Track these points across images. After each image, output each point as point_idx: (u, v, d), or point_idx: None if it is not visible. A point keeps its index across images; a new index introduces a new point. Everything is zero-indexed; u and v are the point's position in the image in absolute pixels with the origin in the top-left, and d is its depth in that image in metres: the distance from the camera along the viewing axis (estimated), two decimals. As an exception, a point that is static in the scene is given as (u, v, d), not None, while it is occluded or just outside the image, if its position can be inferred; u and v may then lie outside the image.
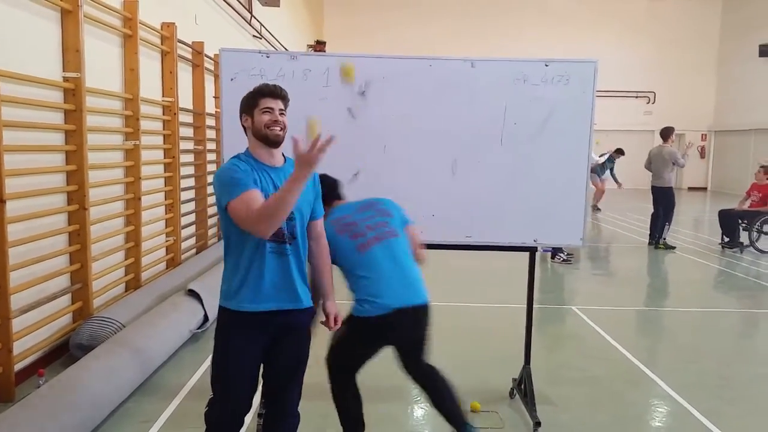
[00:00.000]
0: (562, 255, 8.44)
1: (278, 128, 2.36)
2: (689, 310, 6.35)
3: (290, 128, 3.60)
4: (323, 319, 2.66)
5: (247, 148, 2.44)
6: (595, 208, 13.98)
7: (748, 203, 9.82)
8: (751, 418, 3.78)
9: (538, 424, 3.43)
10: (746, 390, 4.22)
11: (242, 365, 2.41)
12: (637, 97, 22.33)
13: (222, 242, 2.51)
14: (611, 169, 14.08)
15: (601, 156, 13.62)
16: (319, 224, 2.61)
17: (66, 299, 4.52)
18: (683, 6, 22.01)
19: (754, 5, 20.24)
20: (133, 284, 5.57)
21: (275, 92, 2.40)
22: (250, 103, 2.41)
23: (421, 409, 3.85)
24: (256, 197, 2.22)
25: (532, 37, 21.29)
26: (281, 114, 2.39)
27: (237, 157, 2.41)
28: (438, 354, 4.88)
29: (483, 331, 5.48)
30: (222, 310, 2.45)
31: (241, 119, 2.45)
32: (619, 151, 14.10)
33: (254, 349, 2.42)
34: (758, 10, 20.00)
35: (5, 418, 2.89)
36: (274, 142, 2.38)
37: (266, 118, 2.36)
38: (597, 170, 13.53)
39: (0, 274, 3.60)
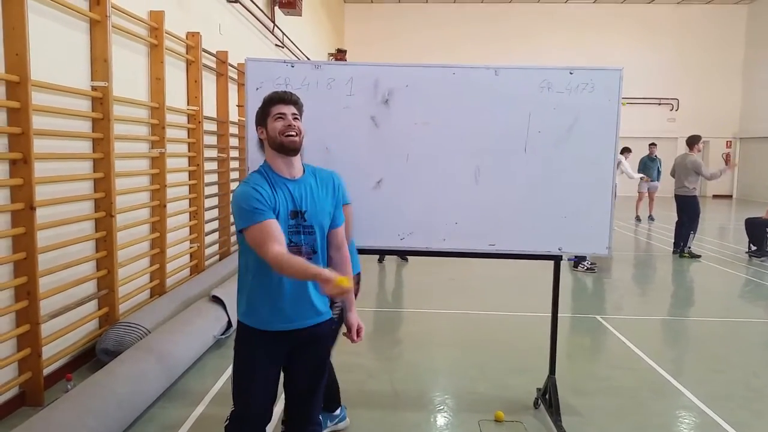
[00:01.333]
0: (585, 263, 8.36)
1: (293, 134, 2.31)
2: (716, 320, 6.24)
3: (316, 136, 3.65)
4: (345, 330, 2.65)
5: (266, 161, 2.39)
6: (637, 219, 13.74)
7: (775, 211, 9.65)
8: (782, 431, 3.70)
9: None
10: (776, 402, 4.13)
11: (262, 379, 2.40)
12: (660, 103, 22.09)
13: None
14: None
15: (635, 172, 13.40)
16: (341, 232, 2.53)
17: (93, 305, 4.59)
18: (708, 11, 21.76)
19: (781, 10, 19.96)
20: (158, 290, 5.63)
21: (285, 97, 2.36)
22: (262, 114, 2.37)
23: (443, 417, 3.83)
24: (271, 230, 2.18)
25: (554, 43, 21.22)
26: (295, 119, 2.34)
27: (258, 171, 2.37)
28: (462, 363, 4.90)
29: (506, 340, 5.44)
30: (241, 324, 2.44)
31: (257, 133, 2.41)
32: (625, 150, 13.80)
33: (273, 363, 2.42)
34: (785, 16, 19.71)
35: (35, 422, 2.94)
36: (290, 149, 2.32)
37: (279, 124, 2.31)
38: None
39: (30, 279, 3.67)
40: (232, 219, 7.93)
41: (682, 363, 5.03)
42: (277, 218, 2.26)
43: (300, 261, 2.14)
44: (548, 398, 3.73)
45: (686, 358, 5.23)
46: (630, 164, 13.03)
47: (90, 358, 4.45)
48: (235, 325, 5.05)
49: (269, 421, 2.50)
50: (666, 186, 11.47)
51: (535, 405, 3.90)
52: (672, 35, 21.73)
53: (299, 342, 2.43)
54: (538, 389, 3.93)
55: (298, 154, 2.38)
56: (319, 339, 2.50)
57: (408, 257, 8.67)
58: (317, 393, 2.55)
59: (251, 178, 2.34)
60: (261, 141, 2.41)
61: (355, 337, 2.61)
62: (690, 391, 4.23)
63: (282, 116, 2.32)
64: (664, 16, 21.75)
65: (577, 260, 8.40)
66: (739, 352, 5.25)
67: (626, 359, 4.93)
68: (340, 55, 17.41)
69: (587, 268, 8.30)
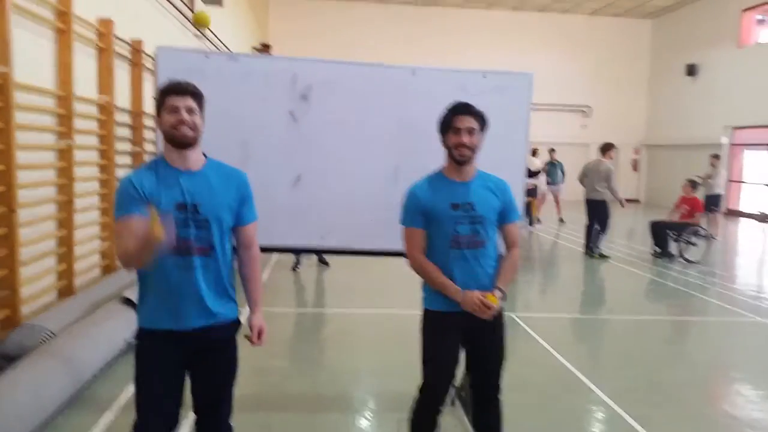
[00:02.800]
0: None
1: (186, 128, 2.21)
2: (622, 318, 6.59)
3: (232, 130, 3.55)
4: (248, 332, 2.48)
5: (161, 152, 2.32)
6: (537, 220, 14.20)
7: (677, 215, 10.28)
8: (679, 422, 3.94)
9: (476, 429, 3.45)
10: (674, 394, 4.40)
11: (161, 385, 2.29)
12: (573, 110, 23.07)
13: None
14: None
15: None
16: (250, 230, 2.44)
17: (-10, 307, 4.28)
18: (617, 23, 22.93)
19: (681, 26, 21.33)
20: (65, 291, 5.31)
21: (179, 88, 2.23)
22: (158, 104, 2.26)
23: (363, 418, 3.83)
24: (130, 227, 2.11)
25: (475, 47, 21.72)
26: (190, 112, 2.22)
27: (148, 163, 2.31)
28: (383, 363, 4.92)
29: (416, 337, 5.50)
30: (138, 329, 2.34)
31: (155, 123, 2.33)
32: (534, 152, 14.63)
33: (172, 368, 2.31)
34: (685, 31, 21.08)
35: None
36: (180, 143, 2.23)
37: (172, 118, 2.20)
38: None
39: None
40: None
41: (590, 359, 5.28)
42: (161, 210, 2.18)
43: (135, 244, 2.07)
44: (464, 395, 3.80)
45: (594, 354, 5.50)
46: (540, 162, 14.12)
47: (-14, 363, 4.14)
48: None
49: (175, 429, 2.37)
50: (577, 188, 12.04)
51: (452, 402, 3.97)
52: (586, 45, 22.75)
53: (199, 346, 2.32)
54: (455, 387, 4.00)
55: (197, 147, 2.30)
56: (221, 344, 2.39)
57: (329, 262, 8.50)
58: (225, 400, 2.45)
59: (138, 169, 2.31)
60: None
61: (256, 340, 2.45)
62: (597, 386, 4.43)
63: (175, 109, 2.21)
64: (579, 26, 22.74)
65: None
66: (642, 348, 5.56)
67: (538, 356, 5.11)
68: (264, 49, 17.10)
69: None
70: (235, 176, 2.39)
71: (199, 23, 2.63)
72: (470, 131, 2.62)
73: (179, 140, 2.22)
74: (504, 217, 2.76)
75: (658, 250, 10.20)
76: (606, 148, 10.02)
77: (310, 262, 8.57)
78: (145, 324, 2.32)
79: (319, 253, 7.41)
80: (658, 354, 5.40)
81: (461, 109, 2.66)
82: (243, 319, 2.44)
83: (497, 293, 2.65)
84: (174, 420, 2.35)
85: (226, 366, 2.43)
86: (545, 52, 22.17)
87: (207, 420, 2.46)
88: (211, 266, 2.29)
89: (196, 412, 2.46)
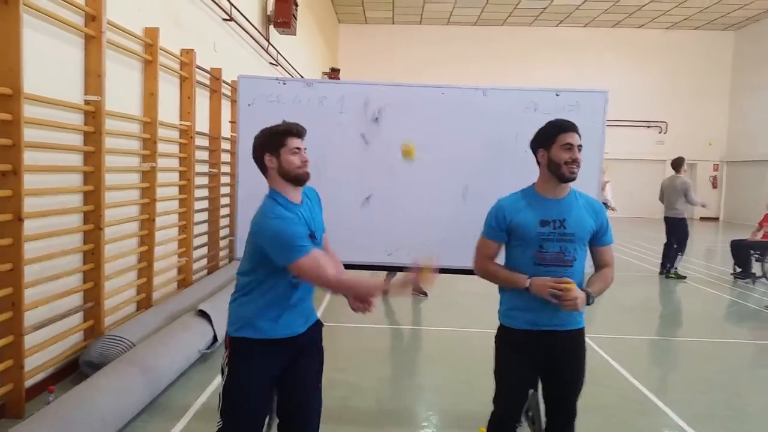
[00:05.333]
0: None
1: (307, 168, 2.44)
2: (700, 340, 6.30)
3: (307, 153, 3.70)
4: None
5: (275, 190, 2.44)
6: None
7: (760, 234, 9.75)
8: (762, 451, 3.73)
9: (546, 451, 3.40)
10: (756, 422, 4.17)
11: (260, 392, 2.44)
12: (648, 126, 22.35)
13: (236, 264, 2.59)
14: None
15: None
16: (326, 237, 2.70)
17: (78, 317, 4.58)
18: (696, 36, 22.13)
19: (766, 37, 20.33)
20: (144, 304, 5.62)
21: (301, 132, 2.45)
22: (275, 142, 2.41)
23: (427, 434, 3.84)
24: (320, 257, 2.34)
25: (546, 66, 21.47)
26: (305, 151, 2.45)
27: (275, 200, 2.41)
28: (445, 380, 4.91)
29: (489, 357, 5.46)
30: (239, 339, 2.45)
31: (261, 158, 2.44)
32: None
33: (271, 376, 2.46)
34: (770, 43, 20.11)
35: (15, 433, 2.93)
36: (304, 182, 2.45)
37: (297, 159, 2.41)
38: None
39: (15, 290, 3.67)
40: (222, 233, 7.90)
41: (666, 382, 5.07)
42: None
43: (359, 285, 2.44)
44: (531, 416, 3.74)
45: (670, 377, 5.27)
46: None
47: (73, 370, 4.43)
48: (221, 339, 5.07)
49: None
50: (654, 207, 11.61)
51: (518, 422, 3.91)
52: (661, 59, 22.06)
53: (296, 350, 2.49)
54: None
55: None
56: (314, 344, 2.60)
57: (427, 293, 7.55)
58: (317, 406, 2.60)
59: (277, 210, 2.36)
60: (265, 167, 2.46)
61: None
62: (673, 410, 4.26)
63: (298, 150, 2.41)
64: (654, 40, 22.10)
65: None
66: (722, 372, 5.29)
67: (611, 378, 4.96)
68: (333, 73, 17.56)
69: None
70: (316, 195, 2.65)
71: (407, 154, 2.82)
72: (580, 148, 2.60)
73: (305, 179, 2.44)
74: (599, 238, 2.69)
75: (739, 270, 9.69)
76: (678, 163, 9.69)
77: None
78: (253, 334, 2.44)
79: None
80: (739, 379, 5.12)
81: (570, 125, 2.62)
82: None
83: (581, 293, 2.51)
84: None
85: (318, 367, 2.63)
86: (619, 69, 21.66)
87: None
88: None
89: (282, 420, 2.56)
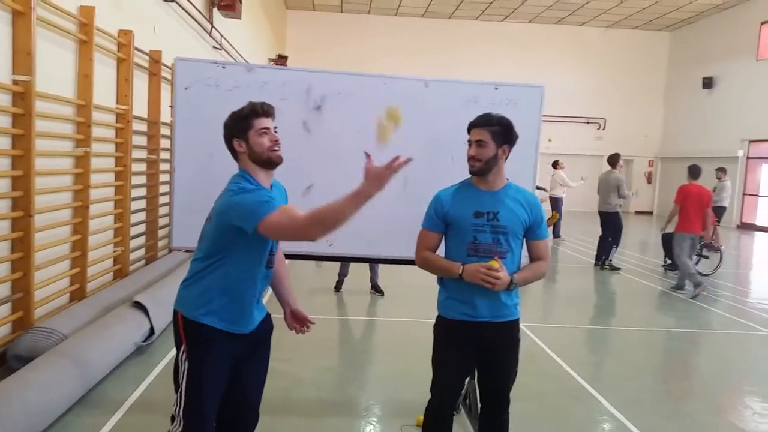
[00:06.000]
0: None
1: (278, 149, 2.33)
2: (631, 329, 6.56)
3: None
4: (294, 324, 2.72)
5: (246, 171, 2.34)
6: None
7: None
8: (686, 434, 3.93)
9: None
10: (682, 406, 4.39)
11: (218, 385, 2.34)
12: (588, 122, 23.01)
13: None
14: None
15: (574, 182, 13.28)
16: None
17: (6, 308, 4.37)
18: (634, 36, 22.89)
19: (699, 39, 21.24)
20: (77, 295, 5.42)
21: (269, 111, 2.34)
22: (242, 126, 2.30)
23: (367, 423, 3.86)
24: (293, 209, 2.22)
25: (490, 60, 21.80)
26: (275, 131, 2.35)
27: (243, 177, 2.32)
28: (386, 370, 4.95)
29: (429, 347, 5.53)
30: (197, 324, 2.30)
31: (231, 143, 2.34)
32: (557, 163, 13.72)
33: (226, 370, 2.37)
34: (702, 44, 21.00)
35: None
36: (276, 164, 2.36)
37: (266, 140, 2.30)
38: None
39: (-65, 280, 3.48)
40: (160, 222, 7.69)
41: (598, 370, 5.26)
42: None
43: (337, 203, 2.18)
44: (468, 403, 3.82)
45: (602, 365, 5.48)
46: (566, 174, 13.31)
47: (0, 364, 4.23)
48: (158, 331, 4.95)
49: None
50: (591, 201, 11.98)
51: (456, 410, 3.99)
52: (602, 57, 22.73)
53: (250, 344, 2.44)
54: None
55: None
56: (267, 340, 2.57)
57: (383, 291, 7.34)
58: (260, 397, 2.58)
59: (245, 184, 2.29)
60: (236, 152, 2.36)
61: (308, 326, 2.72)
62: (605, 397, 4.42)
63: (266, 131, 2.31)
64: (595, 38, 22.73)
65: None
66: (651, 359, 5.54)
67: (546, 366, 5.11)
68: (281, 60, 17.32)
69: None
70: (283, 189, 2.59)
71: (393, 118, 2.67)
72: (479, 143, 2.64)
73: (275, 161, 2.33)
74: (533, 232, 2.74)
75: (669, 262, 10.13)
76: (614, 159, 10.05)
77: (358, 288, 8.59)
78: (210, 322, 2.31)
79: (375, 281, 7.36)
80: (667, 365, 5.38)
81: (474, 121, 2.71)
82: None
83: (506, 275, 2.57)
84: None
85: (267, 362, 2.61)
86: (561, 65, 22.19)
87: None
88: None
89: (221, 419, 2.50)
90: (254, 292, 2.38)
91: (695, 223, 8.03)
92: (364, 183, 2.14)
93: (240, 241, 2.25)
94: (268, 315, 2.58)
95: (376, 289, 7.37)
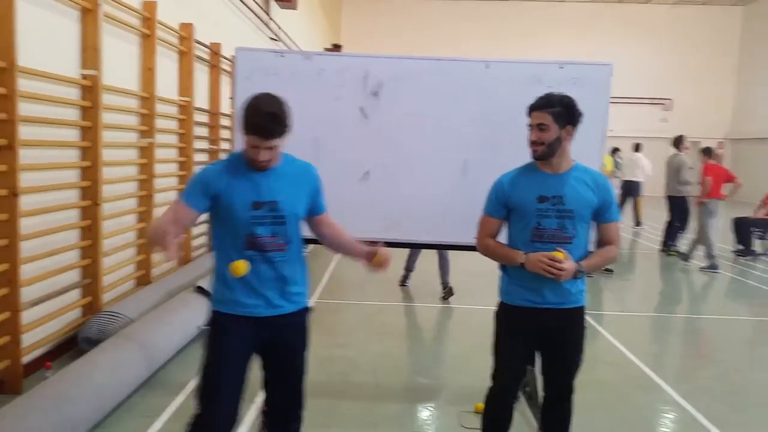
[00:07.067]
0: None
1: (264, 163, 2.26)
2: (700, 317, 6.29)
3: (304, 127, 3.64)
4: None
5: (244, 149, 2.31)
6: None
7: (763, 212, 9.70)
8: (758, 425, 3.74)
9: (542, 426, 3.40)
10: (754, 397, 4.18)
11: (233, 369, 2.34)
12: (653, 103, 22.14)
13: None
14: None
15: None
16: (326, 217, 2.56)
17: (76, 293, 4.57)
18: (703, 12, 21.82)
19: (776, 13, 20.05)
20: (143, 280, 5.62)
21: (265, 131, 2.17)
22: (242, 125, 2.23)
23: (425, 409, 3.85)
24: (179, 212, 2.29)
25: (551, 41, 21.26)
26: (271, 150, 2.23)
27: (233, 155, 2.37)
28: (444, 356, 4.92)
29: (488, 333, 5.46)
30: (213, 312, 2.40)
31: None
32: (616, 150, 12.87)
33: (244, 353, 2.37)
34: (779, 18, 19.80)
35: (11, 409, 2.93)
36: (259, 170, 2.30)
37: (250, 152, 2.24)
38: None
39: (12, 266, 3.65)
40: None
41: (664, 359, 5.07)
42: (231, 208, 2.28)
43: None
44: (528, 391, 3.75)
45: (669, 354, 5.28)
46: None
47: (72, 347, 4.43)
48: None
49: (237, 425, 2.41)
50: (656, 186, 11.50)
51: (516, 398, 3.92)
52: (667, 35, 21.79)
53: (274, 333, 2.38)
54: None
55: None
56: (294, 331, 2.46)
57: (454, 292, 6.64)
58: (297, 390, 2.51)
59: (221, 163, 2.38)
60: None
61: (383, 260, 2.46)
62: (671, 386, 4.26)
63: (256, 148, 2.22)
64: (660, 16, 21.81)
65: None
66: (721, 348, 5.29)
67: (610, 354, 4.96)
68: (335, 49, 17.36)
69: (605, 269, 7.83)
70: (308, 170, 2.47)
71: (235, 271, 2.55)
72: (540, 127, 2.54)
73: (258, 169, 2.30)
74: (602, 215, 2.61)
75: (740, 247, 9.66)
76: (677, 141, 9.63)
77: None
78: (223, 308, 2.38)
79: (446, 281, 6.60)
80: (738, 355, 5.12)
81: (533, 104, 2.59)
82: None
83: (571, 265, 2.47)
84: (237, 411, 2.42)
85: (298, 353, 2.49)
86: (624, 44, 21.42)
87: (278, 411, 2.52)
88: (288, 259, 2.37)
89: (266, 404, 2.52)
90: (253, 274, 2.31)
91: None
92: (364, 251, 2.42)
93: (214, 221, 2.37)
94: (305, 309, 2.50)
95: (447, 291, 6.58)
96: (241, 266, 2.25)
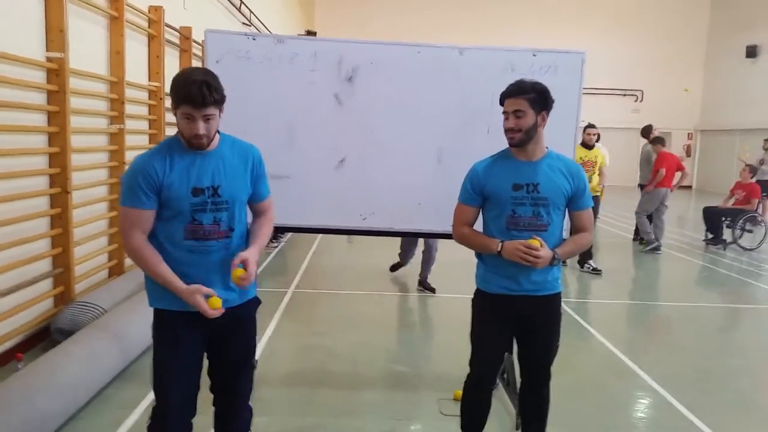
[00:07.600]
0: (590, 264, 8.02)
1: (202, 139, 2.10)
2: (672, 305, 6.40)
3: (277, 112, 3.57)
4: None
5: (178, 132, 2.18)
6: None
7: (732, 201, 9.91)
8: (728, 410, 3.82)
9: (520, 412, 3.43)
10: (725, 382, 4.26)
11: (182, 366, 2.24)
12: (624, 95, 22.42)
13: None
14: None
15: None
16: (266, 205, 2.41)
17: (47, 283, 4.46)
18: (672, 3, 22.10)
19: (742, 5, 20.38)
20: (116, 270, 5.50)
21: (198, 99, 2.02)
22: (173, 99, 2.08)
23: (403, 396, 3.84)
24: (138, 219, 2.12)
25: (524, 32, 21.29)
26: (207, 119, 2.07)
27: (162, 144, 2.21)
28: (423, 344, 4.92)
29: (465, 321, 5.48)
30: (155, 311, 2.25)
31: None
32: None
33: (192, 348, 2.26)
34: (746, 11, 20.13)
35: (-20, 401, 2.84)
36: (197, 148, 2.16)
37: (185, 126, 2.09)
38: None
39: (-22, 255, 3.54)
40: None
41: (638, 345, 5.14)
42: (169, 197, 2.13)
43: (164, 272, 2.14)
44: (506, 377, 3.77)
45: (643, 340, 5.36)
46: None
47: (44, 338, 4.32)
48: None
49: (194, 414, 2.34)
50: (628, 175, 11.64)
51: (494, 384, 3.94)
52: (638, 27, 22.01)
53: (220, 325, 2.23)
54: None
55: None
56: (241, 322, 2.35)
57: (435, 288, 6.40)
58: (244, 379, 2.43)
59: (152, 151, 2.20)
60: None
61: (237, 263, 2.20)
62: (645, 372, 4.33)
63: (190, 118, 2.07)
64: (631, 7, 22.02)
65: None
66: (693, 335, 5.39)
67: (586, 341, 5.02)
68: (309, 36, 17.19)
69: (594, 269, 7.63)
70: (250, 152, 2.32)
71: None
72: (517, 114, 2.52)
73: (194, 147, 2.15)
74: (575, 202, 2.62)
75: (710, 236, 9.86)
76: (646, 131, 9.78)
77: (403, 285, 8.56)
78: (162, 305, 2.24)
79: (425, 277, 6.43)
80: (709, 341, 5.23)
81: (507, 91, 2.57)
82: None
83: (547, 252, 2.47)
84: (194, 405, 2.35)
85: (246, 344, 2.40)
86: (595, 35, 21.55)
87: (225, 401, 2.44)
88: (229, 247, 2.24)
89: (214, 394, 2.44)
90: (189, 266, 2.17)
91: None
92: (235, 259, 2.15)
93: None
94: (253, 300, 2.40)
95: (425, 286, 6.41)
96: (215, 302, 2.13)
